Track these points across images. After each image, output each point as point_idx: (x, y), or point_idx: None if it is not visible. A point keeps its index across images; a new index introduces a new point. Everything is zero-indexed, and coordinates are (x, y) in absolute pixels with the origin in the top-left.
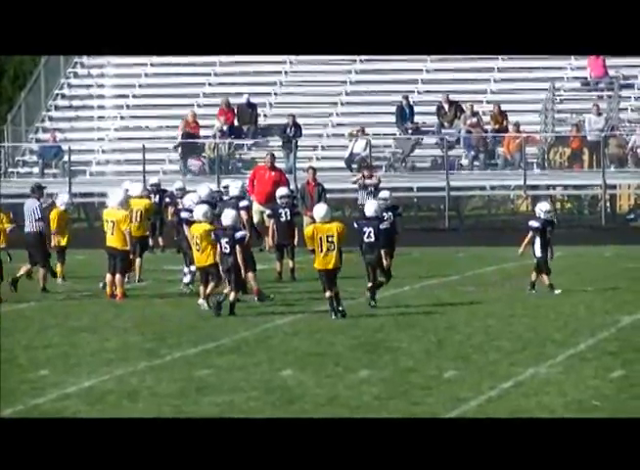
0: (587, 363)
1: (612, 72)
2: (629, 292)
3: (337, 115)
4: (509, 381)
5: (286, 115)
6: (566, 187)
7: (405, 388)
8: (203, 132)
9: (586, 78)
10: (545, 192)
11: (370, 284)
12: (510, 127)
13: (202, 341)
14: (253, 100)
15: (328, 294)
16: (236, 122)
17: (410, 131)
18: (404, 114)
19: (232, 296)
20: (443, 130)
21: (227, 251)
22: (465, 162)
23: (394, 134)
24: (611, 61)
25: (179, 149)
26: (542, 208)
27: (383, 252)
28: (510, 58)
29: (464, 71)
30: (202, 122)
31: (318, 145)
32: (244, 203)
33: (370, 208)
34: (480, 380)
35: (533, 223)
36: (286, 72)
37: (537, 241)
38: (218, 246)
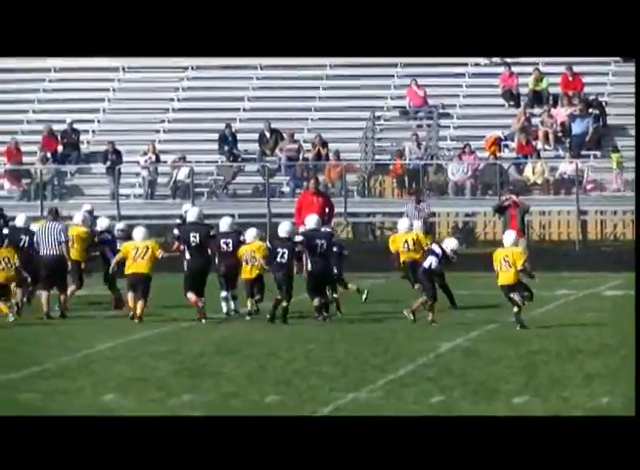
0: (407, 389)
1: (431, 102)
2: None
3: (159, 142)
4: (329, 406)
5: (107, 142)
6: (384, 214)
7: (227, 412)
8: (26, 159)
9: (405, 108)
10: (365, 219)
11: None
12: (330, 155)
13: (25, 365)
14: (77, 126)
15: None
16: (60, 149)
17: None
18: (227, 141)
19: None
20: (265, 158)
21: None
22: (286, 189)
23: (216, 161)
24: (430, 90)
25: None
26: None
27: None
28: (330, 87)
29: (286, 100)
30: (24, 149)
31: (140, 172)
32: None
33: (283, 229)
34: (301, 405)
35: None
36: (109, 100)
37: None
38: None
